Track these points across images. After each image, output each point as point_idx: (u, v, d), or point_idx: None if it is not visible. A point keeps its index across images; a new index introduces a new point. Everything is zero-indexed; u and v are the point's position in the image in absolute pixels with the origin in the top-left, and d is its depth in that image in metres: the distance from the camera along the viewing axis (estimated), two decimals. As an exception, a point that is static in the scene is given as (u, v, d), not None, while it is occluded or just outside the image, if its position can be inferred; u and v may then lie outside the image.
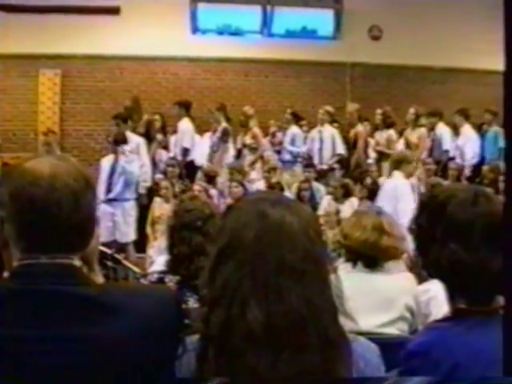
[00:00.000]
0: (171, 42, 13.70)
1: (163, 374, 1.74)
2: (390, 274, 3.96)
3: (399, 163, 9.40)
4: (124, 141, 10.36)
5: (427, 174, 11.31)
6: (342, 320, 1.76)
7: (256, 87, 14.61)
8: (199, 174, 11.58)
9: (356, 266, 3.92)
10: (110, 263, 5.62)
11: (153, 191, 11.06)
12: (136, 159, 10.49)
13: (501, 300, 1.97)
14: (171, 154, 12.27)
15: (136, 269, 6.99)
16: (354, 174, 11.77)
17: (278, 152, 12.86)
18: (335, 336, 1.70)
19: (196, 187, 10.45)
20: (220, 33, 14.55)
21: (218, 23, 14.43)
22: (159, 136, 12.51)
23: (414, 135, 12.16)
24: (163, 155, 12.29)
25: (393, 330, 3.79)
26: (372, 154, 12.63)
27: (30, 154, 9.76)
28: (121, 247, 9.23)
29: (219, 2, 14.24)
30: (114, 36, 13.36)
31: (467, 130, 12.56)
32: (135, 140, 10.87)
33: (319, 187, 11.57)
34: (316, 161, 12.66)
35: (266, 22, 14.42)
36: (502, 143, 10.86)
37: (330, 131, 12.93)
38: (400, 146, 12.33)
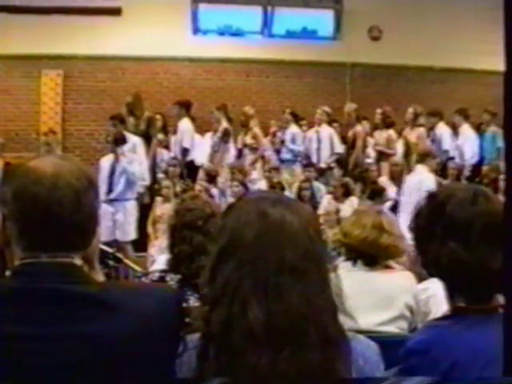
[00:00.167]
0: (172, 43, 13.69)
1: (164, 372, 1.75)
2: (390, 272, 3.97)
3: (424, 157, 9.42)
4: (124, 140, 10.35)
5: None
6: (342, 318, 1.77)
7: (257, 87, 14.60)
8: (200, 174, 11.58)
9: (356, 264, 3.93)
10: (111, 262, 5.61)
11: (154, 191, 11.06)
12: (136, 159, 10.49)
13: (500, 298, 1.98)
14: (172, 154, 12.27)
15: (137, 268, 6.98)
16: (354, 173, 11.77)
17: (278, 152, 12.85)
18: (335, 334, 1.70)
19: (197, 187, 10.47)
20: (221, 33, 14.54)
21: (218, 24, 14.43)
22: (160, 136, 12.50)
23: (412, 135, 12.15)
24: (164, 155, 12.28)
25: (392, 329, 3.79)
26: (372, 154, 12.62)
27: (32, 153, 9.76)
28: (120, 246, 9.21)
29: (220, 3, 14.23)
30: (115, 36, 13.36)
31: (466, 130, 12.56)
32: (132, 140, 10.86)
33: (320, 186, 11.56)
34: (314, 160, 12.67)
35: (267, 22, 14.41)
36: (500, 143, 10.87)
37: (327, 131, 12.94)
38: (400, 146, 12.33)
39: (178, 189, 10.59)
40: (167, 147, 12.53)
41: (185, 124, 12.36)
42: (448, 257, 2.02)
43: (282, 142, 12.81)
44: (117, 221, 10.01)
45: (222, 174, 11.51)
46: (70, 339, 1.66)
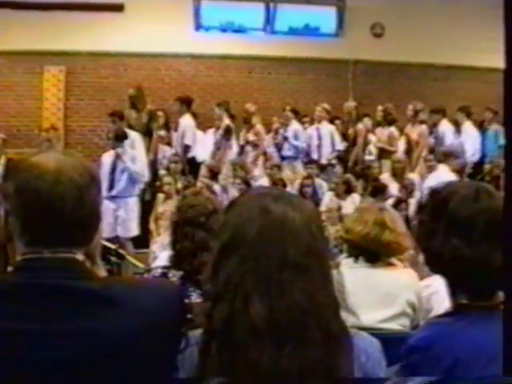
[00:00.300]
0: (174, 39, 13.68)
1: (166, 368, 1.75)
2: (392, 269, 3.97)
3: (446, 157, 9.37)
4: (124, 136, 10.35)
5: (429, 171, 11.29)
6: (344, 315, 1.76)
7: (259, 84, 14.60)
8: (203, 170, 11.57)
9: (358, 261, 3.93)
10: (113, 258, 5.61)
11: (156, 187, 11.06)
12: (138, 156, 10.49)
13: (502, 295, 1.98)
14: (173, 151, 12.27)
15: (140, 264, 6.99)
16: (356, 170, 11.77)
17: (279, 149, 12.85)
18: (337, 331, 1.70)
19: (199, 184, 10.46)
20: (223, 30, 14.54)
21: (221, 20, 14.43)
22: (162, 132, 12.50)
23: (414, 132, 12.15)
24: (166, 151, 12.28)
25: (394, 326, 3.79)
26: (373, 150, 12.61)
27: (34, 150, 9.76)
28: (121, 242, 9.21)
29: (222, 0, 14.25)
30: (117, 33, 13.35)
31: (468, 128, 12.56)
32: (131, 135, 10.85)
33: (322, 183, 11.56)
34: (315, 157, 12.67)
35: (269, 19, 14.41)
36: (502, 141, 10.86)
37: (327, 128, 12.95)
38: (401, 143, 12.34)
39: (180, 185, 10.59)
40: (169, 144, 12.52)
41: (186, 120, 12.35)
42: (450, 253, 2.02)
43: (285, 138, 12.79)
44: (118, 217, 10.01)
45: (223, 171, 11.50)
46: (71, 335, 1.66)
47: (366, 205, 5.87)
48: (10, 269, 1.83)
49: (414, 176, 11.16)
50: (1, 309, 1.68)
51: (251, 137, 12.56)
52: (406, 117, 12.47)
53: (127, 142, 10.36)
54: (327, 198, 10.86)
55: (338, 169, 12.51)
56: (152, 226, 10.36)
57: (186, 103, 12.45)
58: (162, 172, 11.41)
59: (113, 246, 5.83)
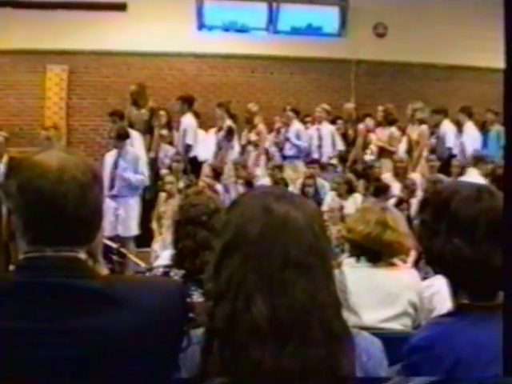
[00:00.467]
0: (177, 38, 13.69)
1: (167, 366, 1.75)
2: (394, 269, 3.98)
3: (477, 161, 9.37)
4: (126, 136, 10.37)
5: (431, 171, 11.31)
6: (346, 314, 1.77)
7: (261, 84, 14.60)
8: (205, 170, 11.57)
9: (360, 260, 3.94)
10: (115, 257, 5.62)
11: (157, 186, 11.06)
12: (139, 155, 10.50)
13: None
14: (175, 150, 12.27)
15: (141, 263, 7.01)
16: (357, 170, 11.76)
17: (281, 149, 12.84)
18: (339, 330, 1.71)
19: (200, 183, 10.47)
20: (226, 29, 14.54)
21: (224, 20, 14.43)
22: (164, 131, 12.50)
23: (414, 132, 12.14)
24: (169, 150, 12.28)
25: (396, 326, 3.80)
26: (374, 149, 12.60)
27: (36, 148, 9.77)
28: (122, 241, 9.22)
29: (225, -1, 14.29)
30: (120, 32, 13.36)
31: (469, 128, 12.55)
32: (131, 134, 10.85)
33: (324, 183, 11.56)
34: (316, 158, 12.68)
35: (272, 18, 14.41)
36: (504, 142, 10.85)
37: (328, 128, 12.95)
38: (403, 143, 12.33)
39: (182, 184, 10.60)
40: (171, 143, 12.52)
41: (188, 120, 12.34)
42: (452, 253, 2.02)
43: (287, 139, 12.78)
44: (119, 216, 10.01)
45: (225, 171, 11.50)
46: (74, 333, 1.66)
47: (369, 204, 5.87)
48: (12, 267, 1.83)
49: (415, 176, 11.16)
50: (3, 308, 1.68)
51: (253, 137, 12.56)
52: (407, 117, 12.47)
53: (127, 141, 10.37)
54: (329, 198, 10.85)
55: (340, 168, 12.51)
56: (154, 224, 10.37)
57: (188, 102, 12.43)
58: (163, 171, 11.41)
59: (115, 245, 5.85)
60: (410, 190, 10.38)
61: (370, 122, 12.97)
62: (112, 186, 9.96)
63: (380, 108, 12.94)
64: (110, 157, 10.33)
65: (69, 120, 13.90)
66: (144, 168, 10.43)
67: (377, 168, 11.69)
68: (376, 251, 3.91)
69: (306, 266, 1.70)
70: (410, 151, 12.06)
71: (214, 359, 1.67)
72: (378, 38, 14.60)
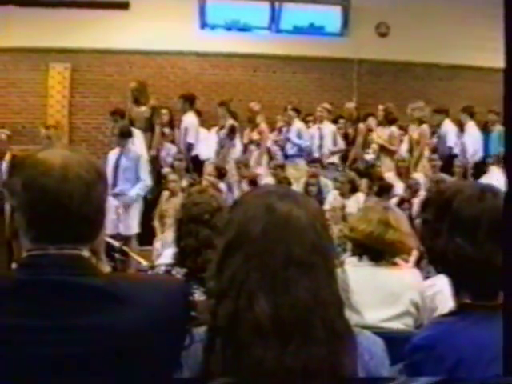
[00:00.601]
0: (180, 37, 13.68)
1: (170, 364, 1.75)
2: (396, 269, 3.98)
3: (501, 159, 9.34)
4: (130, 134, 10.39)
5: (433, 171, 11.31)
6: (348, 313, 1.77)
7: (263, 83, 14.59)
8: (208, 168, 11.57)
9: (362, 259, 3.94)
10: (117, 255, 5.63)
11: (160, 184, 11.07)
12: (141, 154, 10.51)
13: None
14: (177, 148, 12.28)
15: (144, 261, 7.00)
16: (359, 169, 11.76)
17: (282, 148, 12.84)
18: (341, 329, 1.71)
19: (204, 182, 10.48)
20: (228, 28, 14.53)
21: (226, 19, 14.42)
22: (166, 130, 12.50)
23: (415, 131, 12.14)
24: (171, 149, 12.28)
25: (398, 325, 3.80)
26: (375, 147, 12.58)
27: (38, 146, 9.78)
28: (124, 240, 9.23)
29: (228, -2, 14.29)
30: (123, 30, 13.35)
31: (471, 128, 12.55)
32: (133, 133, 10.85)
33: (327, 182, 11.56)
34: (317, 156, 12.69)
35: (274, 18, 14.40)
36: (507, 142, 10.84)
37: (329, 128, 12.96)
38: (405, 142, 12.33)
39: (185, 183, 10.60)
40: (173, 141, 12.52)
41: (189, 118, 12.34)
42: (455, 253, 2.02)
43: (288, 139, 12.77)
44: (120, 214, 10.00)
45: (227, 169, 11.51)
46: (76, 331, 1.66)
47: (371, 204, 5.88)
48: (14, 265, 1.83)
49: (418, 176, 11.16)
50: (7, 305, 1.68)
51: (255, 136, 12.56)
52: (408, 116, 12.47)
53: (129, 139, 10.38)
54: (331, 197, 10.85)
55: (340, 167, 12.53)
56: (156, 223, 10.38)
57: (189, 101, 12.43)
58: (166, 169, 11.41)
59: (117, 243, 5.85)
60: (413, 189, 10.38)
61: (372, 121, 12.96)
62: (114, 185, 9.97)
63: (380, 107, 12.94)
64: (112, 155, 10.35)
65: (71, 118, 13.91)
66: (144, 168, 10.40)
67: (378, 167, 11.69)
68: (378, 250, 3.91)
69: (309, 265, 1.70)
70: (411, 151, 12.06)
71: (216, 357, 1.67)
72: (381, 37, 14.59)
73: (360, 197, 10.56)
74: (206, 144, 12.40)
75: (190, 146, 12.18)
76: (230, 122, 12.21)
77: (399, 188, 10.75)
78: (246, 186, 10.53)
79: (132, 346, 1.69)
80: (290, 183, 10.60)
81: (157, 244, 9.92)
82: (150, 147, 11.82)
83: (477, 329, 1.98)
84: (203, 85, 14.12)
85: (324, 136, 12.86)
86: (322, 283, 1.70)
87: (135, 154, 10.27)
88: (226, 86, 14.23)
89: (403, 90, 14.24)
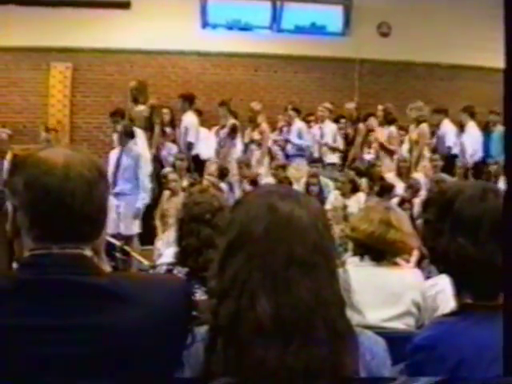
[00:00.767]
0: (181, 37, 13.69)
1: (171, 364, 1.75)
2: (397, 269, 3.98)
3: None
4: (132, 134, 10.39)
5: (434, 171, 11.31)
6: (350, 313, 1.77)
7: (265, 82, 14.60)
8: (210, 168, 11.57)
9: (363, 259, 3.94)
10: (118, 255, 5.63)
11: (161, 184, 11.06)
12: (143, 154, 10.51)
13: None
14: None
15: (145, 261, 7.01)
16: (358, 167, 11.76)
17: (283, 148, 12.84)
18: (343, 329, 1.71)
19: (205, 182, 10.47)
20: (229, 28, 14.54)
21: (227, 18, 14.43)
22: (168, 129, 12.50)
23: (414, 131, 12.14)
24: (172, 148, 12.27)
25: (399, 325, 3.80)
26: (376, 147, 12.59)
27: (39, 146, 9.78)
28: (125, 239, 9.23)
29: (229, -3, 14.30)
30: (124, 30, 13.36)
31: (471, 128, 12.55)
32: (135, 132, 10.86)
33: (328, 182, 11.57)
34: (317, 156, 12.71)
35: (276, 17, 14.41)
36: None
37: (330, 127, 12.98)
38: (406, 142, 12.33)
39: (186, 183, 10.60)
40: (174, 141, 12.52)
41: (189, 118, 12.33)
42: (456, 253, 2.02)
43: (287, 141, 12.78)
44: (120, 214, 10.00)
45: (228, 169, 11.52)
46: (79, 330, 1.66)
47: (373, 203, 5.87)
48: (15, 265, 1.83)
49: (419, 176, 11.16)
50: (9, 305, 1.68)
51: (256, 135, 12.56)
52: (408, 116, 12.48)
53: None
54: (332, 197, 10.86)
55: (340, 167, 12.55)
56: (157, 222, 10.37)
57: (189, 100, 12.42)
58: (167, 169, 11.40)
59: (118, 243, 5.85)
60: (414, 189, 10.38)
61: (373, 121, 12.95)
62: (114, 184, 9.96)
63: (379, 107, 12.95)
64: (113, 154, 10.36)
65: (72, 118, 13.91)
66: (144, 169, 10.38)
67: (378, 167, 11.69)
68: (379, 250, 3.91)
69: (311, 265, 1.70)
70: (411, 151, 12.07)
71: (217, 357, 1.67)
72: (382, 37, 14.59)
73: (361, 197, 10.57)
74: (206, 143, 12.40)
75: (190, 146, 12.17)
76: (232, 121, 12.22)
77: (399, 188, 10.75)
78: (247, 186, 10.53)
79: (134, 345, 1.69)
80: (290, 183, 10.60)
81: (158, 243, 9.91)
82: (149, 146, 11.80)
83: (478, 329, 1.98)
84: (204, 84, 14.13)
85: (324, 135, 12.87)
86: (323, 283, 1.70)
87: (136, 154, 10.27)
88: (227, 85, 14.24)
89: (404, 89, 14.25)
